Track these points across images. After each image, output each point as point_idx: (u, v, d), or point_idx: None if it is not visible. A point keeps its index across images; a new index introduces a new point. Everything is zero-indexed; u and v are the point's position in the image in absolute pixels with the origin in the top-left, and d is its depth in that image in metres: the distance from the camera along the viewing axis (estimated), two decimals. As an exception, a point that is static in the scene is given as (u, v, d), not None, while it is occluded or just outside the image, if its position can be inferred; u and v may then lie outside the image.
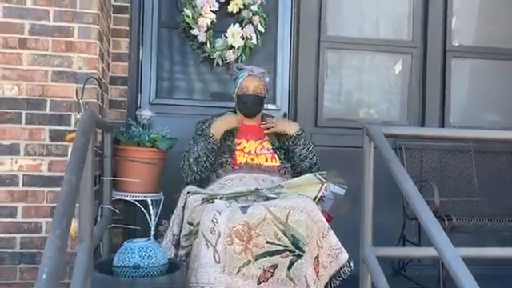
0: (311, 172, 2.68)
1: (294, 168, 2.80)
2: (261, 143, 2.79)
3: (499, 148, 3.51)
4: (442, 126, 3.74)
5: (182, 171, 2.70)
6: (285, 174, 2.72)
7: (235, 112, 2.90)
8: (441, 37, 3.77)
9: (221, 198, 2.40)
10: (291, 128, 2.82)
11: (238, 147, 2.75)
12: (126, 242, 2.12)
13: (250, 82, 2.81)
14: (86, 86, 2.57)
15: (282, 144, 2.82)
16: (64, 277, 2.45)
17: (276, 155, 2.77)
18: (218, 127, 2.71)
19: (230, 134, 2.77)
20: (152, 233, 2.82)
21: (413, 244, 3.30)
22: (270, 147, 2.79)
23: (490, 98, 3.91)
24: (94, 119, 2.04)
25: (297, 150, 2.78)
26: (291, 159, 2.81)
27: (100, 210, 2.73)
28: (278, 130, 2.80)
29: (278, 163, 2.74)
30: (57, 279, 1.16)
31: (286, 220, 2.22)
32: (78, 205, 1.78)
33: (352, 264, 2.35)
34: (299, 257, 2.20)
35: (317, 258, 2.27)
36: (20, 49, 2.60)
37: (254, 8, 3.49)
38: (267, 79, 2.91)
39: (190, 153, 2.68)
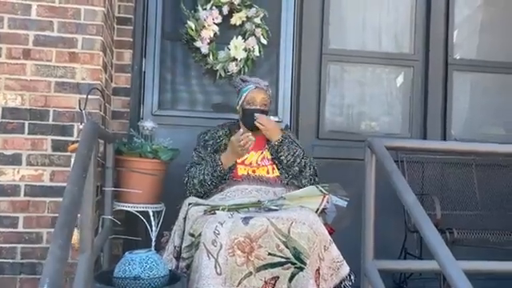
0: (302, 176, 2.69)
1: (286, 177, 2.72)
2: (261, 153, 2.77)
3: (501, 161, 3.51)
4: (444, 138, 3.74)
5: (186, 187, 2.69)
6: (287, 184, 2.71)
7: (238, 124, 2.90)
8: (442, 50, 3.79)
9: (223, 209, 2.40)
10: (274, 136, 2.73)
11: (239, 160, 2.72)
12: (126, 253, 2.11)
13: (256, 94, 2.78)
14: (88, 96, 2.57)
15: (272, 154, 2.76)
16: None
17: (275, 165, 2.75)
18: (230, 159, 2.64)
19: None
20: (153, 244, 2.82)
21: (414, 257, 3.29)
22: (270, 157, 2.76)
23: (492, 111, 3.92)
24: (97, 130, 2.04)
25: (282, 157, 2.71)
26: (280, 169, 2.73)
27: (101, 220, 2.73)
28: (264, 132, 2.73)
29: (278, 173, 2.72)
30: (58, 290, 1.16)
31: (288, 232, 2.21)
32: (79, 215, 1.78)
33: (353, 277, 2.34)
34: (301, 269, 2.18)
35: (318, 270, 2.26)
36: (24, 59, 2.61)
37: (257, 20, 3.51)
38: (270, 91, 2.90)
39: (195, 174, 2.65)
